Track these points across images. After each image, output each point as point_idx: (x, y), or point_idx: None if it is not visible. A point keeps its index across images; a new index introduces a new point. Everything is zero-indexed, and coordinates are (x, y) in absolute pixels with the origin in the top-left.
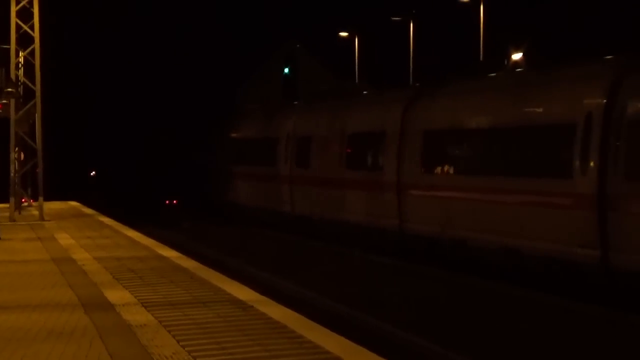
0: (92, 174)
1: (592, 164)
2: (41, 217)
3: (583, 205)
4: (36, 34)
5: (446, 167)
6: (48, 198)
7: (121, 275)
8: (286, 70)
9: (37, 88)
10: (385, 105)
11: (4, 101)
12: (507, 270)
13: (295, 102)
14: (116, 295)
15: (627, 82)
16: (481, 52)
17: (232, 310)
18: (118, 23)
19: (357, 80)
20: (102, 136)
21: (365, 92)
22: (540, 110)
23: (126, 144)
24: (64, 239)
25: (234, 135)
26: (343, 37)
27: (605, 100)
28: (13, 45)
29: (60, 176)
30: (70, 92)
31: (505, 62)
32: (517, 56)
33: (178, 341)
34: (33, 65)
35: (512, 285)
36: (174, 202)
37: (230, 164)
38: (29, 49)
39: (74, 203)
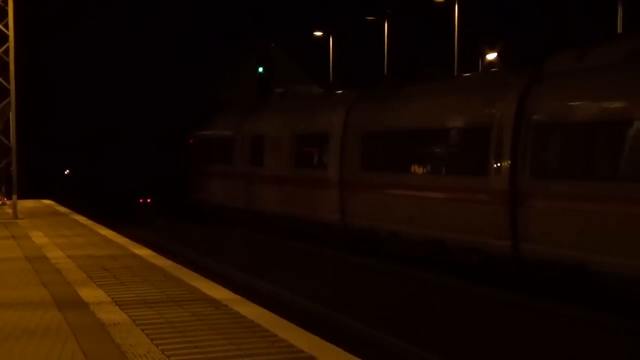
0: (66, 172)
1: (504, 163)
2: (15, 216)
3: (497, 201)
4: (10, 33)
5: (381, 166)
6: (22, 196)
7: (95, 274)
8: (260, 69)
9: (12, 87)
10: (330, 108)
11: None
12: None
13: (251, 104)
14: (90, 293)
15: (534, 90)
16: (456, 52)
17: (206, 309)
18: (93, 23)
19: (331, 79)
20: (76, 135)
21: (313, 95)
22: (462, 114)
23: (100, 143)
24: (38, 238)
25: (203, 135)
26: (318, 37)
27: (515, 106)
28: None
29: (34, 175)
30: (44, 91)
31: (480, 62)
32: (491, 56)
33: (152, 340)
34: (7, 64)
35: (483, 285)
36: (148, 200)
37: (200, 163)
38: (4, 47)
39: (48, 202)
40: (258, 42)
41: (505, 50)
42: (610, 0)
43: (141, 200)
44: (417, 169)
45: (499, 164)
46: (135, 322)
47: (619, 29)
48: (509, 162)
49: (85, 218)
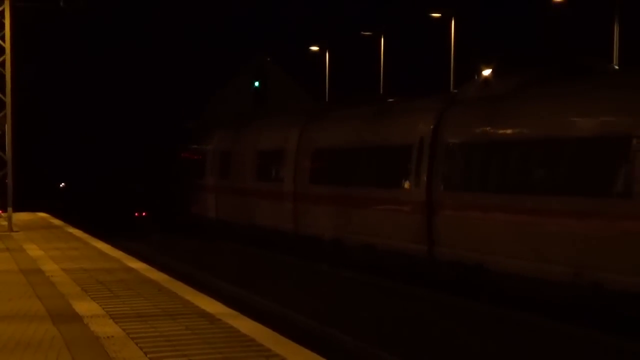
0: (61, 185)
1: (422, 177)
2: (10, 228)
3: (416, 211)
4: (7, 45)
5: (325, 180)
6: (17, 209)
7: (89, 287)
8: (256, 83)
9: (8, 100)
10: (287, 126)
11: None
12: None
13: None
14: (84, 306)
15: (446, 114)
16: (452, 67)
17: (200, 323)
18: (87, 36)
19: (327, 94)
20: (71, 148)
21: (275, 113)
22: (392, 134)
23: (96, 156)
24: (33, 250)
25: (192, 149)
26: (314, 52)
27: (432, 128)
28: None
29: (29, 187)
30: (40, 104)
31: (476, 77)
32: (487, 72)
33: (146, 353)
34: (3, 76)
35: (475, 301)
36: (143, 214)
37: (190, 177)
38: (0, 59)
39: (42, 214)
40: (254, 57)
41: (499, 65)
42: (607, 12)
43: (137, 214)
44: (354, 183)
45: (418, 179)
46: (129, 336)
47: (615, 36)
48: (426, 176)
49: (80, 231)
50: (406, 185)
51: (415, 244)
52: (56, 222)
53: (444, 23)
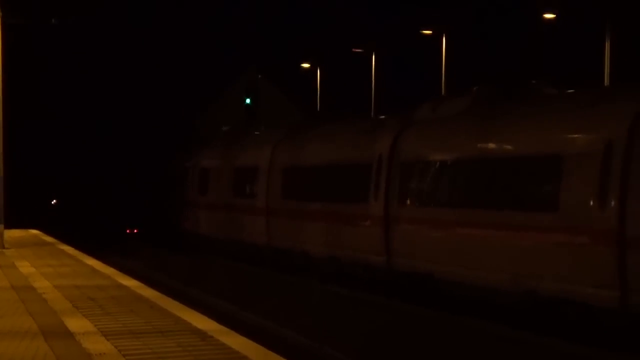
0: (53, 202)
1: (381, 193)
2: (1, 245)
3: (376, 224)
4: None
5: (294, 196)
6: (9, 226)
7: (81, 304)
8: (247, 100)
9: None
10: (260, 144)
11: None
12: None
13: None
14: (76, 323)
15: (402, 134)
16: (442, 84)
17: (192, 339)
18: (79, 48)
19: (318, 110)
20: (63, 164)
21: (250, 132)
22: (353, 152)
23: (87, 172)
24: (25, 267)
25: (179, 166)
26: (305, 68)
27: (389, 147)
28: None
29: (21, 204)
30: (32, 118)
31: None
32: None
33: None
34: None
35: (463, 315)
36: (135, 231)
37: (176, 193)
38: None
39: (34, 231)
40: (245, 73)
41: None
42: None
43: (128, 231)
44: (320, 198)
45: (377, 194)
46: (121, 353)
47: (607, 53)
48: (384, 192)
49: (72, 248)
50: (367, 200)
51: (375, 255)
52: (48, 239)
53: (435, 40)
